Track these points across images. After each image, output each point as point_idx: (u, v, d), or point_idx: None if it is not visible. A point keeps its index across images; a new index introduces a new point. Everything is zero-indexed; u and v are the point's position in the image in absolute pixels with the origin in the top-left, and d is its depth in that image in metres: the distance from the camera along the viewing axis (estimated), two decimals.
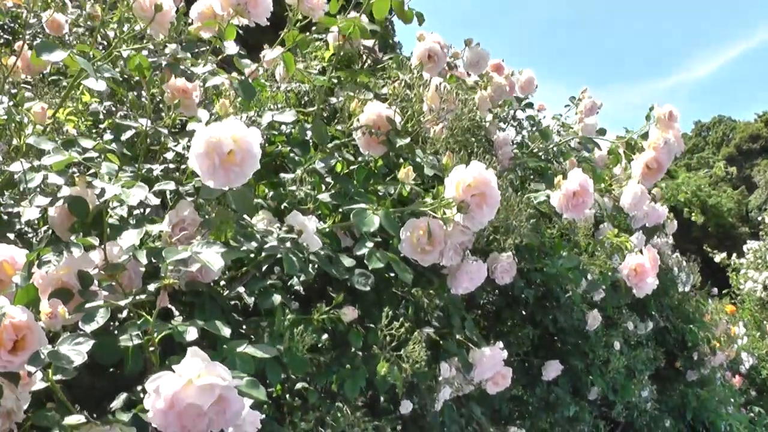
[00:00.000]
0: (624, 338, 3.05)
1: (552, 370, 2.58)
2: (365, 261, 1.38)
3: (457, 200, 1.33)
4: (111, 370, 1.25)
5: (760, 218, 10.15)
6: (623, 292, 2.07)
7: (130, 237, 1.05)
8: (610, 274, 2.27)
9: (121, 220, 1.33)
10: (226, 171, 1.13)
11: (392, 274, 1.76)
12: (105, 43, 1.95)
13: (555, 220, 2.19)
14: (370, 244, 1.39)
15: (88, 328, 0.96)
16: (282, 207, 1.61)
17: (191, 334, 1.00)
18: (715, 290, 5.52)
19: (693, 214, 4.38)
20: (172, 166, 1.53)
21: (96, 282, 1.15)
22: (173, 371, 0.89)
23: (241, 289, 1.45)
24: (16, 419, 1.00)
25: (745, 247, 8.48)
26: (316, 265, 1.41)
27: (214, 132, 1.11)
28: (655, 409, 3.49)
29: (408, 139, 1.57)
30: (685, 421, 3.96)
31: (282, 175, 1.67)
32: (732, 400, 4.59)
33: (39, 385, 0.99)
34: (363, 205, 1.38)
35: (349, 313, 1.40)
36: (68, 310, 1.08)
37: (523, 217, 1.63)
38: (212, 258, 0.98)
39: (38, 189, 1.26)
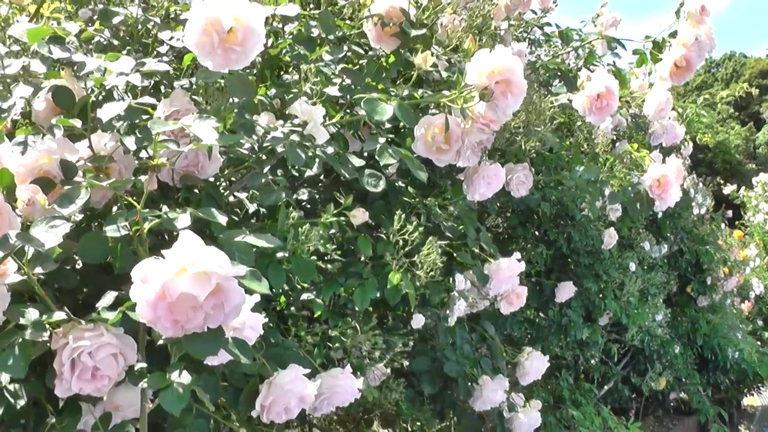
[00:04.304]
0: (639, 260, 2.96)
1: (565, 291, 2.51)
2: (377, 157, 1.26)
3: (479, 87, 1.19)
4: (101, 272, 1.14)
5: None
6: (645, 204, 1.95)
7: (113, 108, 0.93)
8: (629, 188, 2.16)
9: None
10: (226, 51, 1.02)
11: (402, 184, 1.65)
12: None
13: (573, 129, 2.06)
14: (382, 140, 1.27)
15: (66, 211, 0.84)
16: (286, 111, 1.48)
17: (183, 221, 0.87)
18: (730, 213, 5.46)
19: (705, 136, 4.27)
20: (165, 59, 1.40)
21: (81, 174, 1.04)
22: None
23: (243, 196, 1.35)
24: None
25: (754, 180, 8.37)
26: (322, 165, 1.30)
27: (213, 7, 1.00)
28: (666, 335, 3.44)
29: (423, 30, 1.43)
30: (695, 347, 3.94)
31: (285, 76, 1.54)
32: (741, 326, 4.56)
33: (14, 278, 0.88)
34: (375, 95, 1.25)
35: (359, 215, 1.30)
36: (49, 201, 0.97)
37: (545, 117, 1.51)
38: (205, 132, 0.85)
39: (20, 79, 1.14)
